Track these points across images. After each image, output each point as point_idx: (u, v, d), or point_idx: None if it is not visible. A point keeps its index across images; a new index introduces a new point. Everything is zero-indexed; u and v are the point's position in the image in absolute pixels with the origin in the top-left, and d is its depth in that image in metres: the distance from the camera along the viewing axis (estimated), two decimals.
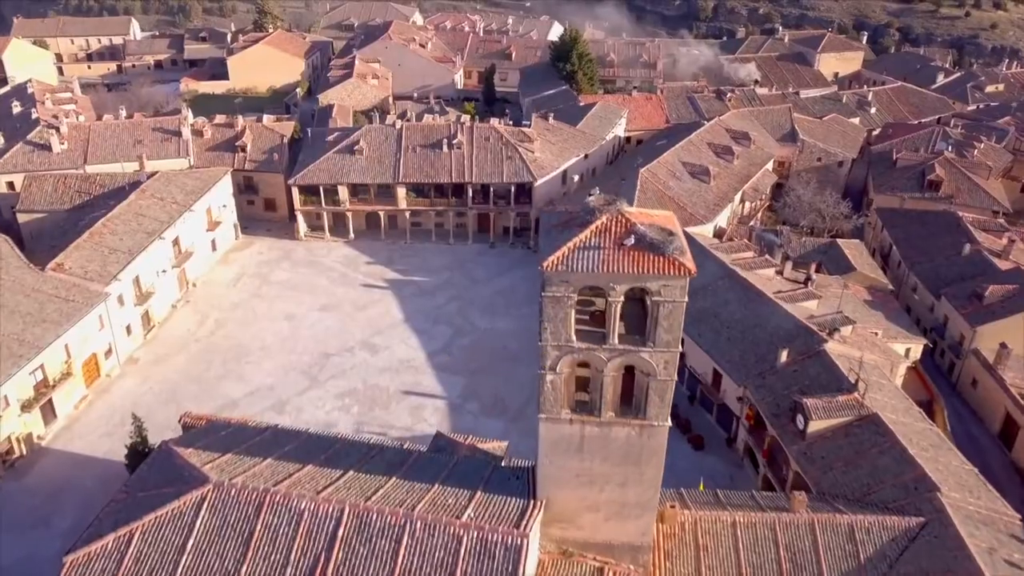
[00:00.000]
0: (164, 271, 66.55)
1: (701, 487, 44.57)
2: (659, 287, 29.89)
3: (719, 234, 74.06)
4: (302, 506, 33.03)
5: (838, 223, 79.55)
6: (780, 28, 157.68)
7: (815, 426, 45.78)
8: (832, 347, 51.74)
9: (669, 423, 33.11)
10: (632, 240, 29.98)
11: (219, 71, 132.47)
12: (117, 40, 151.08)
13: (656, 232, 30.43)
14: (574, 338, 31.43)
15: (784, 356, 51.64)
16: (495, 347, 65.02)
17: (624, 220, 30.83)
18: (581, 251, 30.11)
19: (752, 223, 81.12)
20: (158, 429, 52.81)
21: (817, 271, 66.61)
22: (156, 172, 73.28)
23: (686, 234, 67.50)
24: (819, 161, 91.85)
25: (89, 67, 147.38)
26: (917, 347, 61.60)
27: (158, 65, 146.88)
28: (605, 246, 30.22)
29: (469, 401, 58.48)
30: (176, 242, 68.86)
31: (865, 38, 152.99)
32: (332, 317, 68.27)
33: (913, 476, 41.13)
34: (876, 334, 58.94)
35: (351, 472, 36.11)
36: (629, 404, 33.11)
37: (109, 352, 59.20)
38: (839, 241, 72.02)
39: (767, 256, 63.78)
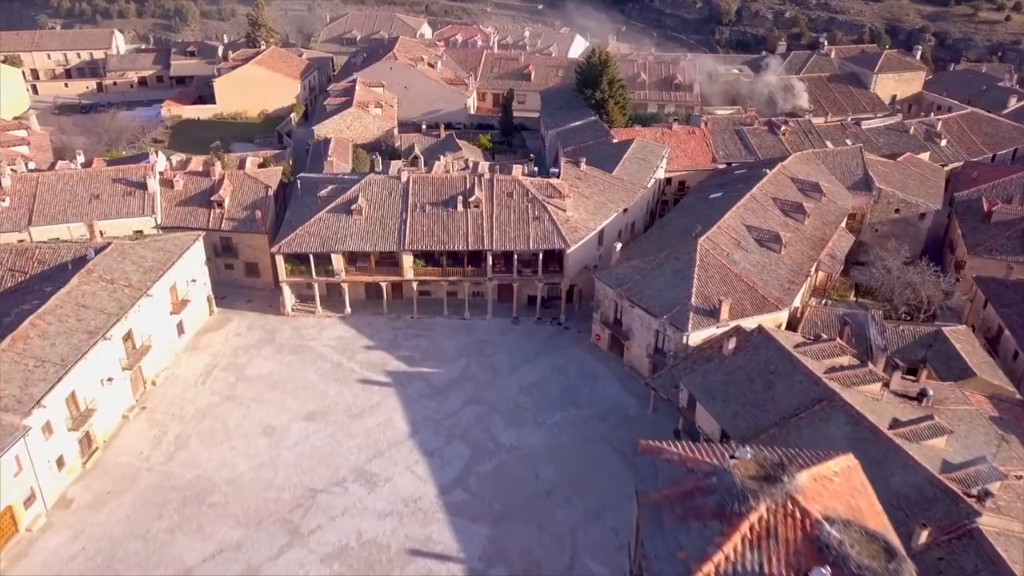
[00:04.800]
0: (111, 379, 53.19)
1: None
2: None
3: (795, 321, 60.63)
4: None
5: (935, 298, 65.97)
6: (825, 43, 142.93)
7: None
8: (987, 522, 38.43)
9: None
10: (827, 571, 16.63)
11: (207, 91, 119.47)
12: (98, 54, 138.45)
13: (863, 544, 17.09)
14: None
15: (924, 536, 38.32)
16: (524, 476, 51.75)
17: (799, 512, 17.54)
18: None
19: (825, 299, 67.65)
20: None
21: (928, 376, 53.55)
22: (109, 243, 60.09)
23: (762, 330, 55.38)
24: (897, 212, 78.11)
25: (67, 85, 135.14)
26: None
27: (142, 82, 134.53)
28: (773, 572, 16.94)
29: (494, 566, 45.13)
30: (129, 337, 55.63)
31: (919, 54, 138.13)
32: (321, 431, 54.91)
33: None
34: (1020, 477, 45.56)
35: None
36: None
37: (31, 499, 46.01)
38: (946, 331, 58.37)
39: (870, 366, 50.17)
